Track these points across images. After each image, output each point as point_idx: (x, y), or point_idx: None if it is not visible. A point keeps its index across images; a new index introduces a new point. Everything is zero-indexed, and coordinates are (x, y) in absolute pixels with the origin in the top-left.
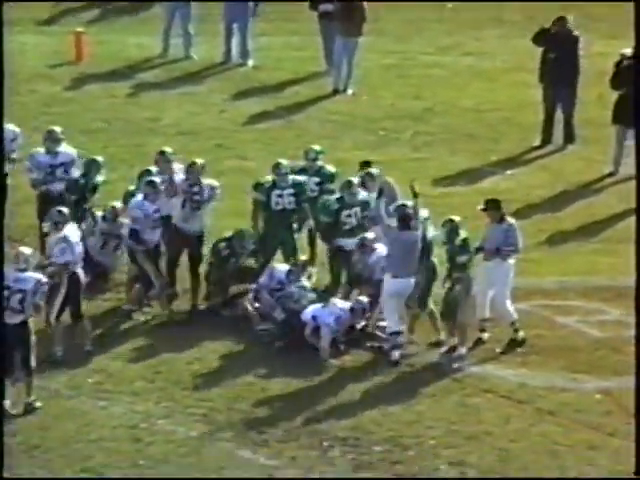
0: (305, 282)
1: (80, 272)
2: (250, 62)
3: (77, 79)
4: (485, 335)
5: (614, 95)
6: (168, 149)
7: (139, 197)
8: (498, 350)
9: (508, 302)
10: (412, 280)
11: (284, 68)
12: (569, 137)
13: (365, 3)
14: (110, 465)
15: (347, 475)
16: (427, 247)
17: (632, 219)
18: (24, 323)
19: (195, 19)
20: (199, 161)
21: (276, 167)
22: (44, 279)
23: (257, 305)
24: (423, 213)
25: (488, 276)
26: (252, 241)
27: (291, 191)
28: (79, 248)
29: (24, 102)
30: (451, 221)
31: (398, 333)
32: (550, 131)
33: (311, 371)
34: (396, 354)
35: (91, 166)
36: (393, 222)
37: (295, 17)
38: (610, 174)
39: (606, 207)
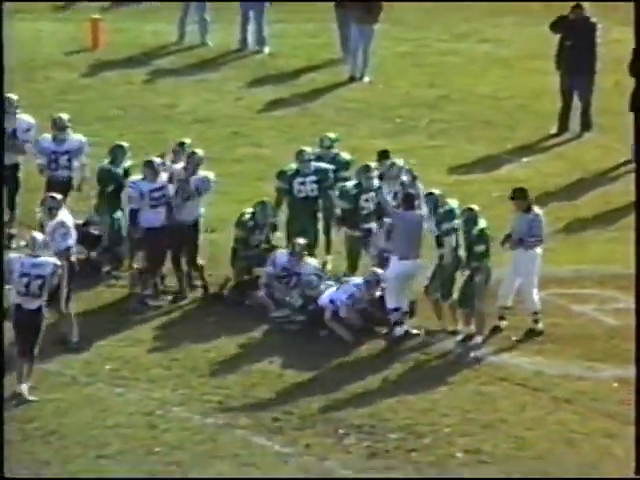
0: (314, 263)
1: (75, 260)
2: (266, 49)
3: (93, 66)
4: (504, 323)
5: (631, 82)
6: (187, 140)
7: (136, 177)
8: (514, 338)
9: (534, 291)
10: (419, 262)
11: (300, 55)
12: (586, 125)
13: None
14: (126, 452)
15: (362, 462)
16: (454, 236)
17: None
18: (39, 309)
19: (211, 6)
20: (199, 152)
21: (299, 154)
22: (59, 262)
23: (270, 292)
24: (453, 203)
25: (514, 265)
26: (274, 213)
27: (314, 178)
28: (75, 234)
29: (40, 89)
30: (470, 210)
31: (398, 310)
32: (567, 119)
33: (327, 359)
34: (399, 329)
35: (117, 153)
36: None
37: (311, 4)
38: (627, 162)
39: (623, 195)
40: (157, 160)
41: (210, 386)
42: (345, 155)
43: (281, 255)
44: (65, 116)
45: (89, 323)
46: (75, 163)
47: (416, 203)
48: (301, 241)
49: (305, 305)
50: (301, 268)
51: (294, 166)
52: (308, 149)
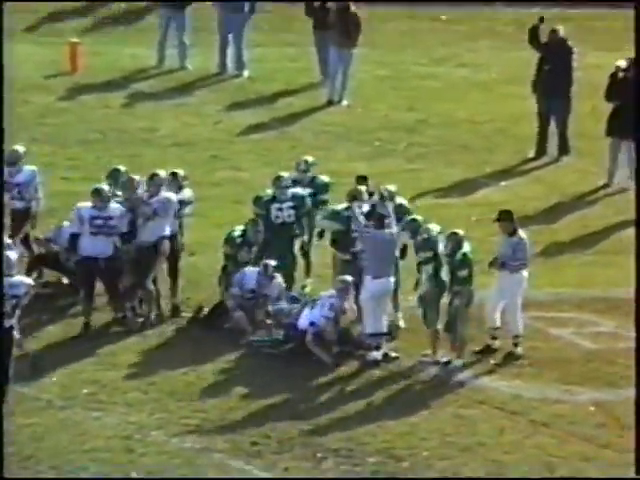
0: (282, 285)
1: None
2: (245, 73)
3: (72, 89)
4: (496, 343)
5: (608, 107)
6: (180, 172)
7: (86, 203)
8: (493, 362)
9: (518, 315)
10: (392, 279)
11: (279, 79)
12: (563, 149)
13: (360, 14)
14: (103, 476)
15: None
16: (439, 262)
17: (627, 231)
18: (11, 328)
19: (190, 30)
20: (161, 173)
21: (277, 180)
22: (32, 282)
23: (249, 314)
24: (435, 228)
25: (499, 287)
26: (263, 231)
27: (290, 204)
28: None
29: (19, 113)
30: (454, 234)
31: (377, 335)
32: (544, 143)
33: (305, 382)
34: (374, 354)
35: (117, 176)
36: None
37: (290, 28)
38: (605, 186)
39: (601, 219)
40: (106, 189)
41: (188, 410)
42: (323, 178)
43: (250, 275)
44: (21, 148)
45: (66, 347)
46: (26, 195)
47: (386, 222)
48: (272, 262)
49: (287, 334)
50: (269, 290)
51: (270, 192)
52: (285, 174)
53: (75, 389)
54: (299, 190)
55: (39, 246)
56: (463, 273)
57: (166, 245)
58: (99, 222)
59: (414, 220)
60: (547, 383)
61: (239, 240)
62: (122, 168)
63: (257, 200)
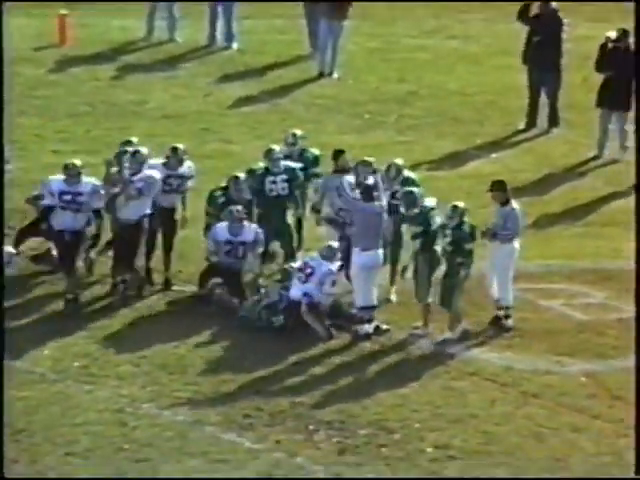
0: (255, 228)
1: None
2: (235, 45)
3: (61, 62)
4: (501, 313)
5: (599, 78)
6: (180, 146)
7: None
8: (480, 333)
9: (509, 285)
10: (380, 252)
11: (269, 51)
12: (553, 120)
13: None
14: (95, 449)
15: (332, 458)
16: (432, 237)
17: (617, 202)
18: None
19: (180, 2)
20: (143, 150)
21: (268, 152)
22: (14, 251)
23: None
24: (430, 202)
25: (491, 258)
26: (248, 188)
27: (284, 177)
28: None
29: (8, 86)
30: (457, 207)
31: (368, 308)
32: (535, 114)
33: (296, 355)
34: (365, 327)
35: (129, 147)
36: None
37: (279, 0)
38: (595, 157)
39: (591, 190)
40: (78, 164)
41: (180, 383)
42: (313, 151)
43: (221, 227)
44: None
45: (57, 320)
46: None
47: (375, 194)
48: (238, 207)
49: (287, 308)
50: (244, 236)
51: (262, 164)
52: (276, 147)
53: (67, 362)
54: (291, 163)
55: (29, 204)
56: (470, 245)
57: (146, 223)
58: (67, 197)
59: (410, 192)
60: (538, 354)
61: (221, 199)
62: (134, 139)
63: (250, 173)
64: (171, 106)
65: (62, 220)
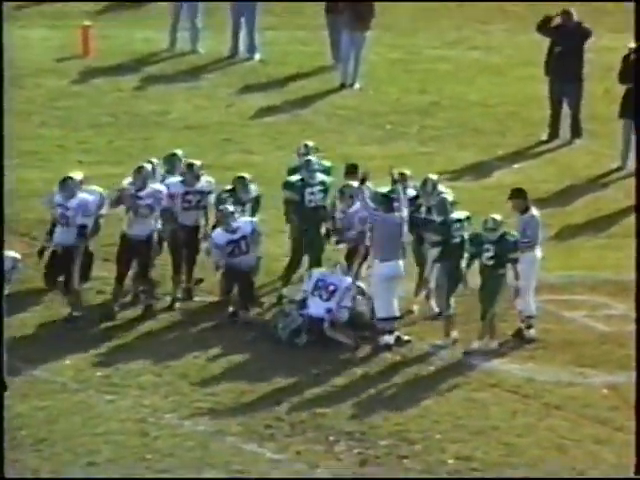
0: (249, 219)
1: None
2: (257, 56)
3: (84, 73)
4: (523, 325)
5: (621, 89)
6: (197, 162)
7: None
8: (503, 345)
9: (530, 295)
10: (401, 262)
11: (291, 62)
12: (576, 131)
13: None
14: (117, 459)
15: (353, 469)
16: (451, 248)
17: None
18: None
19: (202, 13)
20: (147, 166)
21: (307, 164)
22: (19, 256)
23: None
24: (459, 214)
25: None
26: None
27: (320, 188)
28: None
29: (30, 96)
30: (496, 220)
31: (389, 319)
32: (557, 125)
33: (316, 365)
34: (386, 338)
35: (174, 162)
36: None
37: (302, 11)
38: (618, 169)
39: (613, 202)
40: (77, 178)
41: (201, 393)
42: (325, 162)
43: (218, 235)
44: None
45: (79, 330)
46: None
47: (395, 205)
48: (230, 208)
49: (309, 327)
50: (242, 230)
51: (295, 177)
52: (314, 158)
53: (88, 372)
54: (322, 175)
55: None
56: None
57: (155, 237)
58: (60, 211)
59: (443, 200)
60: (560, 366)
61: (229, 200)
62: (179, 152)
63: (289, 185)
64: (193, 117)
65: (58, 233)
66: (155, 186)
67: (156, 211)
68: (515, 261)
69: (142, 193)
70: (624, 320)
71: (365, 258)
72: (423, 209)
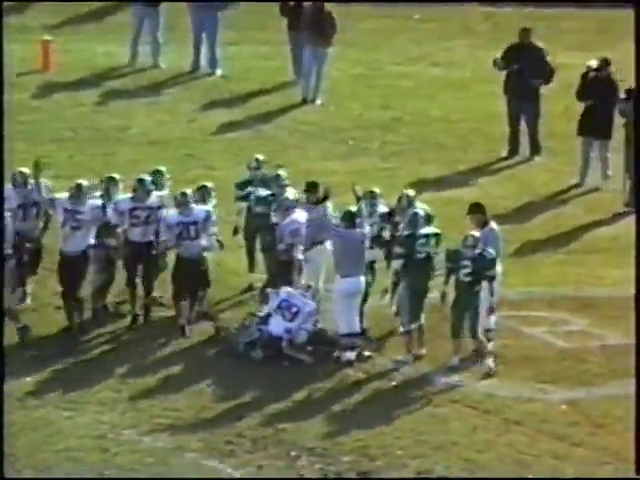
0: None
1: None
2: (219, 71)
3: (44, 87)
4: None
5: (580, 107)
6: (146, 177)
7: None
8: (456, 360)
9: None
10: (362, 278)
11: (253, 78)
12: (534, 149)
13: (334, 13)
14: (77, 475)
15: None
16: (415, 263)
17: (598, 230)
18: None
19: (164, 27)
20: (84, 182)
21: (277, 178)
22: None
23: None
24: (432, 230)
25: None
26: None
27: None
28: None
29: None
30: (474, 237)
31: (351, 335)
32: (517, 142)
33: (278, 381)
34: (348, 354)
35: (158, 177)
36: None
37: (264, 26)
38: (576, 185)
39: (572, 218)
40: (84, 184)
41: (160, 409)
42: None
43: (171, 217)
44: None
45: (38, 345)
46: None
47: (357, 221)
48: (184, 191)
49: (266, 344)
50: (194, 216)
51: (265, 192)
52: (283, 173)
53: (47, 388)
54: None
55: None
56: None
57: (91, 253)
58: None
59: (415, 214)
60: (520, 382)
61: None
62: (163, 168)
63: (261, 201)
64: (155, 132)
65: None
66: (93, 202)
67: (92, 227)
68: (492, 278)
69: (80, 208)
70: (584, 336)
71: (300, 271)
72: (401, 227)
